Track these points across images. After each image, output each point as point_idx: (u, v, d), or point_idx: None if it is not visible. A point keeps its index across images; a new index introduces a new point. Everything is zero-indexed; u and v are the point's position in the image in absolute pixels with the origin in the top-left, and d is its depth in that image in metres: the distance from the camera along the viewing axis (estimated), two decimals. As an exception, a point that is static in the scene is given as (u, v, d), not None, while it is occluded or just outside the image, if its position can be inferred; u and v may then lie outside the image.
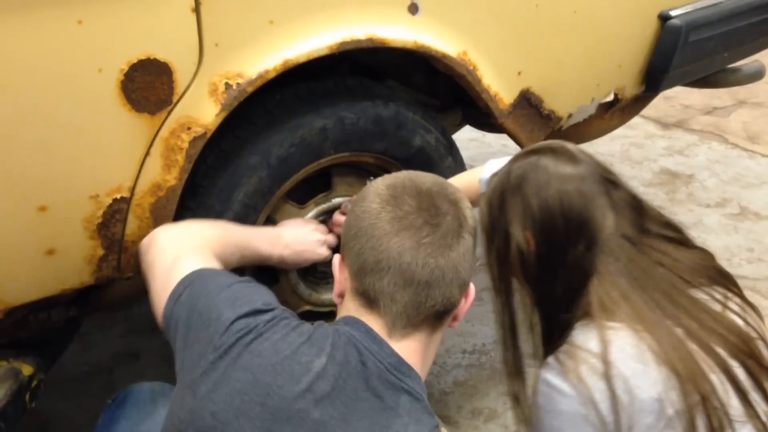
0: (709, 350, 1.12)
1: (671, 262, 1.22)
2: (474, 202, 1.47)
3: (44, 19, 1.21)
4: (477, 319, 2.57)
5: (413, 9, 1.62)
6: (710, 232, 3.07)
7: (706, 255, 1.32)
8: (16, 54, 1.21)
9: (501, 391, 2.24)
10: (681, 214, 3.21)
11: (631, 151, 3.87)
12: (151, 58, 1.33)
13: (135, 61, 1.31)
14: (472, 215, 1.14)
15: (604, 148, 3.85)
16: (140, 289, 1.71)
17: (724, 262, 2.79)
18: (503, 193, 1.26)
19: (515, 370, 1.33)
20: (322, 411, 0.98)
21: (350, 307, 1.09)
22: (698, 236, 3.02)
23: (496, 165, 1.51)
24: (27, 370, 1.48)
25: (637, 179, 3.56)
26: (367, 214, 1.07)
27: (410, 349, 1.07)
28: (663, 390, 1.08)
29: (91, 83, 1.29)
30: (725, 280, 1.28)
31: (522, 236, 1.23)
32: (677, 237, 1.30)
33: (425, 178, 1.13)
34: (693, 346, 1.12)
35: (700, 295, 1.21)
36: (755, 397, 1.12)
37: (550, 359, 1.18)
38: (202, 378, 1.02)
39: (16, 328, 1.51)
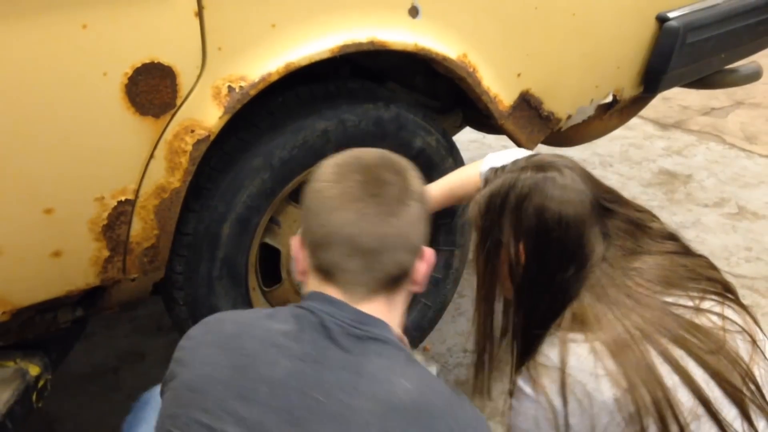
0: (667, 355, 1.15)
1: (654, 282, 1.25)
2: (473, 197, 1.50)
3: (50, 23, 1.22)
4: (478, 318, 2.57)
5: (414, 12, 1.62)
6: (708, 232, 3.07)
7: (704, 262, 1.33)
8: (22, 58, 1.21)
9: (502, 389, 2.25)
10: (680, 214, 3.21)
11: (630, 152, 3.87)
12: (155, 61, 1.33)
13: (139, 64, 1.32)
14: (420, 183, 1.17)
15: (604, 149, 3.85)
16: (145, 290, 1.72)
17: (722, 261, 2.82)
18: (505, 200, 1.27)
19: (485, 371, 1.41)
20: (292, 369, 1.00)
21: (313, 283, 1.13)
22: (697, 236, 3.02)
23: (494, 159, 1.53)
24: (34, 370, 1.48)
25: (636, 179, 3.56)
26: (315, 193, 1.12)
27: (372, 310, 1.10)
28: (619, 394, 1.13)
29: (96, 87, 1.30)
30: (716, 286, 1.28)
31: (514, 248, 1.26)
32: (674, 249, 1.32)
33: (370, 153, 1.16)
34: (653, 354, 1.15)
35: (680, 300, 1.23)
36: (717, 394, 1.14)
37: (524, 368, 1.25)
38: (175, 367, 1.07)
39: (23, 328, 1.51)
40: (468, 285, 2.77)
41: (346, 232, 1.07)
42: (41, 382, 1.49)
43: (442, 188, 1.65)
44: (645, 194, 3.40)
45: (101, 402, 2.23)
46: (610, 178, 3.57)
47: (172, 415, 1.03)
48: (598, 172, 3.62)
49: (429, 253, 1.18)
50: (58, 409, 2.19)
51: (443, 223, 1.99)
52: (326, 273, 1.10)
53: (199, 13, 1.36)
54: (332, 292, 1.10)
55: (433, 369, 1.76)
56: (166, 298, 1.73)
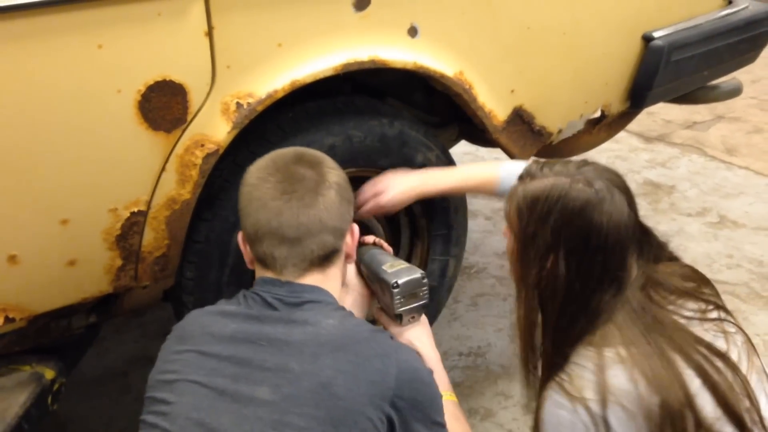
0: (677, 375, 1.15)
1: (673, 306, 1.24)
2: (489, 194, 1.66)
3: (67, 43, 1.23)
4: (472, 323, 2.57)
5: (413, 32, 1.63)
6: (691, 240, 3.08)
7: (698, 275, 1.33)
8: (40, 76, 1.22)
9: (496, 391, 2.25)
10: (664, 223, 3.22)
11: (617, 164, 3.88)
12: (167, 79, 1.34)
13: (152, 82, 1.32)
14: (337, 171, 1.30)
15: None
16: (156, 297, 1.72)
17: (704, 268, 2.83)
18: (552, 209, 1.21)
19: (530, 368, 1.33)
20: (238, 328, 1.17)
21: (258, 271, 1.28)
22: (680, 244, 3.03)
23: (513, 167, 1.58)
24: (49, 374, 1.48)
25: (622, 190, 3.57)
26: (244, 197, 1.26)
27: (307, 283, 1.24)
28: (647, 403, 1.13)
29: (111, 103, 1.30)
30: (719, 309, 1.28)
31: (558, 261, 1.21)
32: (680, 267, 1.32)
33: (285, 154, 1.30)
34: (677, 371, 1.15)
35: (698, 330, 1.22)
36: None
37: (556, 381, 1.21)
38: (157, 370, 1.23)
39: (39, 334, 1.51)
40: (462, 291, 2.78)
41: (271, 226, 1.21)
42: (56, 386, 1.49)
43: (457, 180, 1.74)
44: (631, 204, 3.41)
45: (112, 404, 2.22)
46: (598, 189, 3.57)
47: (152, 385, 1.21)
48: (585, 183, 3.63)
49: (354, 228, 1.35)
50: (70, 411, 2.18)
51: (439, 234, 1.99)
52: (263, 262, 1.25)
53: (209, 33, 1.36)
54: (271, 275, 1.24)
55: None
56: (176, 302, 1.73)
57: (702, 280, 1.32)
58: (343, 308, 1.25)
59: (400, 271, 1.44)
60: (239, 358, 1.13)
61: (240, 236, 1.31)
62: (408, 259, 2.05)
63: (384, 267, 1.46)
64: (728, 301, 2.61)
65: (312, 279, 1.24)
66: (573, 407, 1.16)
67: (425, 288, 1.45)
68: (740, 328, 1.25)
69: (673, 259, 1.33)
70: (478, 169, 1.73)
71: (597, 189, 1.19)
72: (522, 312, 1.29)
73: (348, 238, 1.32)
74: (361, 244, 1.60)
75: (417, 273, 1.43)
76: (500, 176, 1.65)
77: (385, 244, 1.62)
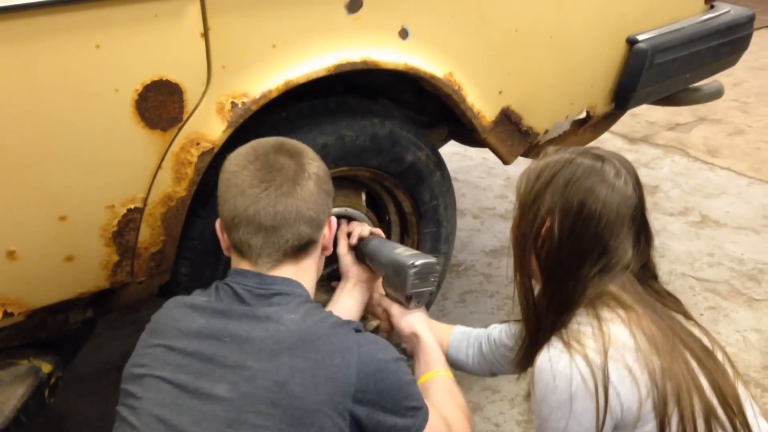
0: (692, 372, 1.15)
1: (663, 299, 1.27)
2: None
3: (66, 43, 1.23)
4: (460, 319, 2.59)
5: (404, 34, 1.65)
6: (674, 239, 3.11)
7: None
8: (39, 75, 1.23)
9: (483, 386, 2.27)
10: (647, 222, 3.25)
11: (601, 164, 3.90)
12: (164, 79, 1.35)
13: (148, 81, 1.33)
14: (317, 162, 1.29)
15: (576, 161, 3.88)
16: (151, 292, 1.73)
17: (686, 266, 2.86)
18: (556, 175, 1.23)
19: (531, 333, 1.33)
20: (205, 323, 1.16)
21: (233, 260, 1.28)
22: (663, 243, 3.06)
23: (462, 332, 1.64)
24: (46, 368, 1.49)
25: (607, 190, 3.59)
26: (223, 182, 1.26)
27: (281, 275, 1.23)
28: (651, 365, 1.12)
29: (108, 102, 1.31)
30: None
31: (551, 224, 1.22)
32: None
33: (266, 143, 1.29)
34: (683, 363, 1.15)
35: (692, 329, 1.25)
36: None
37: (554, 340, 1.19)
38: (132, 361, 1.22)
39: (37, 328, 1.51)
40: (450, 288, 2.79)
41: (248, 213, 1.21)
42: (53, 380, 1.49)
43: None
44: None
45: (106, 398, 2.22)
46: (583, 189, 3.60)
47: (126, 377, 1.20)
48: (571, 183, 3.66)
49: (333, 220, 1.34)
50: (64, 405, 2.18)
51: (428, 231, 2.01)
52: (239, 250, 1.25)
53: (205, 34, 1.37)
54: (245, 265, 1.24)
55: None
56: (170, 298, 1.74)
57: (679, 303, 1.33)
58: (310, 301, 1.23)
59: (416, 255, 1.49)
60: (203, 355, 1.13)
61: (218, 223, 1.31)
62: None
63: (398, 251, 1.51)
64: (709, 299, 2.67)
65: (285, 270, 1.24)
66: (570, 359, 1.13)
67: (437, 274, 1.50)
68: (719, 345, 1.25)
69: (655, 275, 1.33)
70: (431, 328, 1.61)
71: (604, 164, 1.22)
72: (518, 278, 1.32)
73: (325, 230, 1.31)
74: (361, 239, 1.63)
75: (433, 258, 1.49)
76: (450, 343, 1.63)
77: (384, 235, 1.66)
